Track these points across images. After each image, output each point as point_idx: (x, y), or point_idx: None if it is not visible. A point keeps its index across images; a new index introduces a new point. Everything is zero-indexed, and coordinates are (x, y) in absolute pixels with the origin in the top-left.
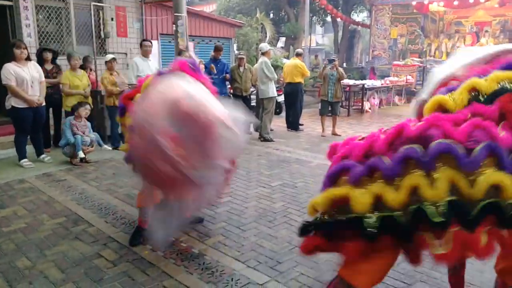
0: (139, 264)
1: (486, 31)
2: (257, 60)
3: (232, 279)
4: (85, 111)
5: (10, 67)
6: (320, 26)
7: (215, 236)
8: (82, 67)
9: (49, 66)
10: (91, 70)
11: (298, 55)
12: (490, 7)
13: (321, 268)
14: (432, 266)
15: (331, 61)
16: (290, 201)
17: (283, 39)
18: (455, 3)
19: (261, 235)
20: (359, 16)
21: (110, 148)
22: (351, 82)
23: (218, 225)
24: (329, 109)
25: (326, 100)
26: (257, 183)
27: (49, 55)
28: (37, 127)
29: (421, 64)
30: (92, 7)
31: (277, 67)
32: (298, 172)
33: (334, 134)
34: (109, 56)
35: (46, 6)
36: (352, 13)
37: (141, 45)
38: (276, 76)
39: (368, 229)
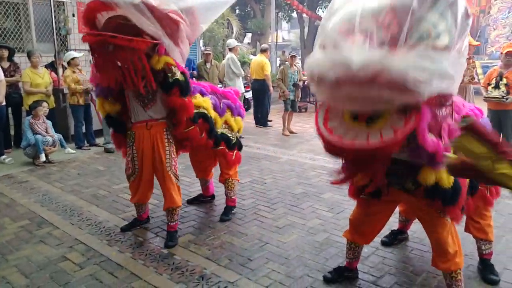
0: (107, 266)
1: None
2: (223, 56)
3: (202, 278)
4: (42, 110)
5: None
6: (286, 22)
7: (184, 235)
8: (52, 64)
9: (5, 64)
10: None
11: (263, 51)
12: None
13: (292, 264)
14: (399, 259)
15: (292, 56)
16: (260, 197)
17: (249, 35)
18: None
19: (232, 232)
20: (325, 12)
21: (73, 151)
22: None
23: (187, 224)
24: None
25: (289, 99)
26: None
27: (4, 53)
28: None
29: None
30: (52, 2)
31: (244, 63)
32: (267, 168)
33: (290, 132)
34: (71, 55)
35: (3, 1)
36: (317, 9)
37: None
38: (243, 72)
39: None
